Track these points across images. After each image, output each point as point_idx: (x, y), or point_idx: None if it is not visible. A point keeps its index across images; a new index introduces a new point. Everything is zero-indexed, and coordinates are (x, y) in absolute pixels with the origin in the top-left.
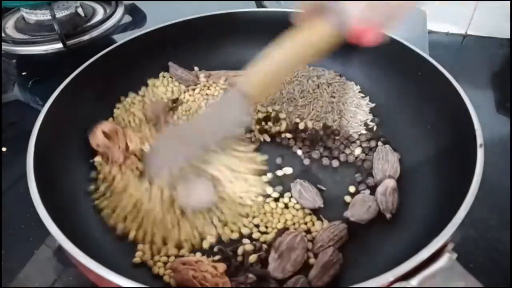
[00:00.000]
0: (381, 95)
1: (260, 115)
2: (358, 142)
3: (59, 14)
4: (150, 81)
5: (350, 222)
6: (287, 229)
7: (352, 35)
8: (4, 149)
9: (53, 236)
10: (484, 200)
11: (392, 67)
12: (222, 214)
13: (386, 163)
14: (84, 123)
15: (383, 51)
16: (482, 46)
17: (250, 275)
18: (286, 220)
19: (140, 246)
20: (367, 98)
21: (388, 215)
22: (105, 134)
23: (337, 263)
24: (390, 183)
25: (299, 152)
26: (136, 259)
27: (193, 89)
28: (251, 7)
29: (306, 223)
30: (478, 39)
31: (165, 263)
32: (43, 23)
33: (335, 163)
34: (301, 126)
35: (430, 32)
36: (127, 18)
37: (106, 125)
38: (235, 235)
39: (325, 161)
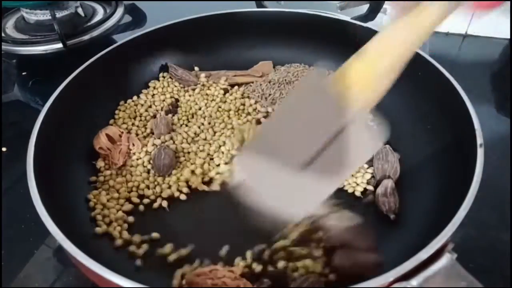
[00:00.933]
0: None
1: (260, 115)
2: None
3: (59, 14)
4: (151, 83)
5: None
6: None
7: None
8: (4, 149)
9: (53, 236)
10: (484, 200)
11: None
12: None
13: (386, 163)
14: (84, 123)
15: None
16: (482, 46)
17: (265, 280)
18: None
19: None
20: (374, 102)
21: (392, 216)
22: (109, 137)
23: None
24: (389, 184)
25: None
26: None
27: (193, 89)
28: (251, 7)
29: None
30: (478, 39)
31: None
32: (43, 23)
33: None
34: None
35: None
36: (127, 18)
37: (110, 129)
38: None
39: None
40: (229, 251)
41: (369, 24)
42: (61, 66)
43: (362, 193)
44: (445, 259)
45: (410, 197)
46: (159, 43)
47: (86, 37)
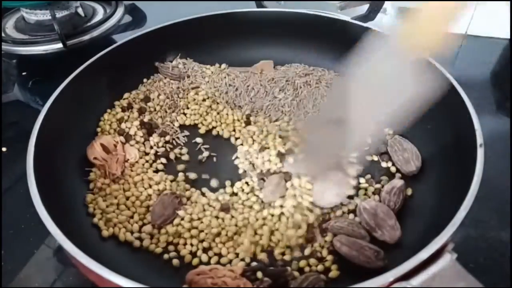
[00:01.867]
0: None
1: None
2: None
3: (59, 14)
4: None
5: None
6: None
7: None
8: (4, 149)
9: (53, 236)
10: (484, 200)
11: None
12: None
13: (405, 152)
14: (84, 123)
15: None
16: (482, 46)
17: (266, 279)
18: None
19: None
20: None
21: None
22: (103, 147)
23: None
24: (398, 184)
25: None
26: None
27: (183, 90)
28: (251, 7)
29: None
30: (478, 39)
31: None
32: (43, 23)
33: None
34: None
35: None
36: (127, 18)
37: (104, 138)
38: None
39: None
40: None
41: (369, 24)
42: (61, 66)
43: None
44: (445, 259)
45: (410, 197)
46: (159, 43)
47: (86, 37)
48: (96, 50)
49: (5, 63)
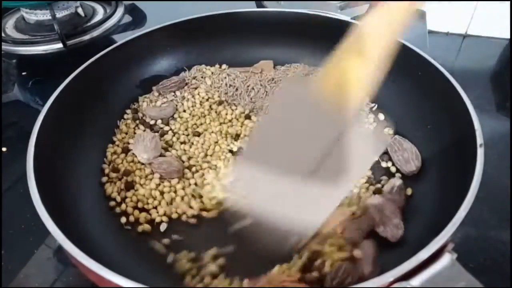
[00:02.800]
0: (381, 95)
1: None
2: None
3: (59, 14)
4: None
5: None
6: None
7: None
8: (4, 149)
9: (53, 236)
10: (484, 200)
11: (392, 67)
12: None
13: (405, 151)
14: (84, 123)
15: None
16: (482, 46)
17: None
18: None
19: None
20: (367, 98)
21: None
22: None
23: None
24: (397, 182)
25: None
26: None
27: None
28: (251, 7)
29: None
30: (478, 39)
31: None
32: (43, 23)
33: None
34: None
35: (430, 32)
36: (127, 18)
37: None
38: None
39: None
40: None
41: None
42: (61, 66)
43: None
44: (445, 259)
45: (410, 197)
46: (159, 43)
47: (86, 37)
48: (96, 50)
49: (5, 63)
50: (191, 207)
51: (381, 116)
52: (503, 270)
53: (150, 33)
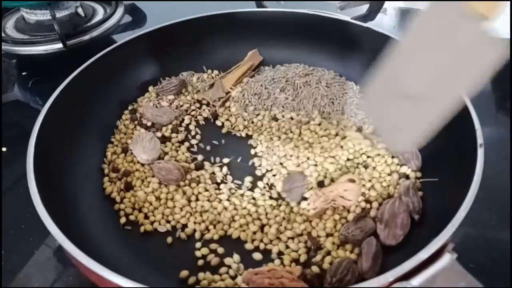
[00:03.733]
0: None
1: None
2: None
3: (59, 14)
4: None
5: None
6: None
7: None
8: (4, 149)
9: (53, 236)
10: (484, 200)
11: None
12: None
13: (405, 152)
14: (84, 123)
15: (383, 51)
16: None
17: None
18: None
19: None
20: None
21: (416, 217)
22: None
23: (381, 252)
24: (410, 184)
25: None
26: None
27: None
28: (251, 7)
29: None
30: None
31: None
32: (43, 23)
33: None
34: None
35: None
36: (127, 18)
37: None
38: None
39: None
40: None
41: (369, 24)
42: (61, 66)
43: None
44: (445, 259)
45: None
46: (159, 43)
47: (86, 37)
48: (96, 50)
49: (5, 63)
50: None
51: None
52: (503, 270)
53: (150, 33)
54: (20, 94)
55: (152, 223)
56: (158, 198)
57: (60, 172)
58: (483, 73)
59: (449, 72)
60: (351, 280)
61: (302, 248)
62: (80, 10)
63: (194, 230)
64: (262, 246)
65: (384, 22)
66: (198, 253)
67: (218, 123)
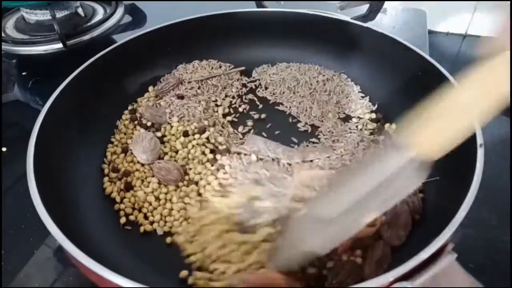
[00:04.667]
0: (381, 95)
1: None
2: None
3: (59, 14)
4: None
5: None
6: None
7: None
8: (4, 149)
9: (53, 236)
10: (484, 200)
11: (392, 67)
12: None
13: None
14: (84, 123)
15: (383, 51)
16: None
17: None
18: None
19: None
20: (367, 98)
21: (416, 216)
22: None
23: (388, 257)
24: None
25: None
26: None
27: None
28: (251, 7)
29: None
30: (478, 39)
31: None
32: (43, 23)
33: None
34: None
35: (430, 32)
36: (127, 18)
37: None
38: None
39: None
40: None
41: (369, 24)
42: (61, 66)
43: None
44: (445, 259)
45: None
46: (159, 43)
47: (86, 37)
48: (96, 50)
49: (5, 63)
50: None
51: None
52: (503, 270)
53: (150, 33)
54: (20, 94)
55: (151, 223)
56: (157, 199)
57: (60, 172)
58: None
59: (366, 198)
60: (352, 283)
61: None
62: (80, 10)
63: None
64: None
65: (384, 22)
66: None
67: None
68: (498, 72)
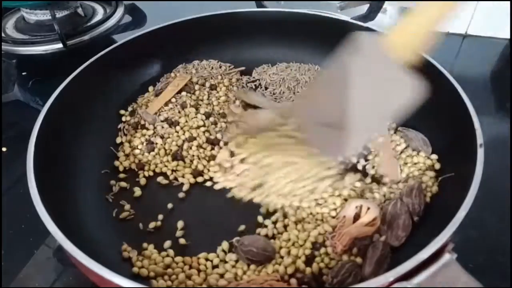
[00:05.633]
0: None
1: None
2: None
3: (59, 14)
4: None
5: None
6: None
7: None
8: (4, 149)
9: (53, 236)
10: (484, 200)
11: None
12: None
13: (412, 141)
14: (84, 123)
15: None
16: (482, 46)
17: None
18: None
19: None
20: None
21: (415, 218)
22: None
23: (388, 256)
24: (415, 184)
25: None
26: None
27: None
28: (251, 7)
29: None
30: (478, 39)
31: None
32: (43, 23)
33: None
34: None
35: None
36: (127, 18)
37: None
38: None
39: None
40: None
41: (369, 24)
42: (61, 66)
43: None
44: (445, 259)
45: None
46: (159, 43)
47: (86, 37)
48: (96, 50)
49: (5, 63)
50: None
51: None
52: (503, 270)
53: (150, 33)
54: (20, 94)
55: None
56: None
57: (59, 172)
58: (399, 107)
59: (365, 105)
60: (352, 283)
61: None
62: (80, 10)
63: None
64: None
65: (384, 22)
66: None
67: None
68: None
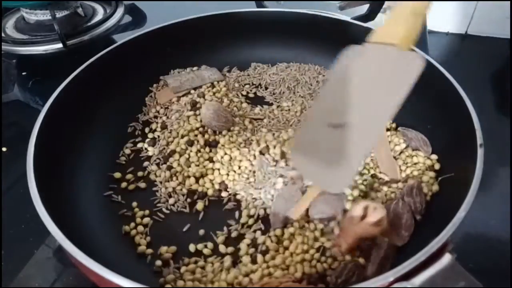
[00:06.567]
0: None
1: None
2: None
3: (59, 14)
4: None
5: None
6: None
7: None
8: (4, 149)
9: (53, 236)
10: (484, 200)
11: None
12: None
13: (411, 141)
14: (84, 123)
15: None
16: (482, 46)
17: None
18: None
19: None
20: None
21: (418, 217)
22: None
23: (391, 257)
24: (415, 184)
25: None
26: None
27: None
28: (251, 7)
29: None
30: (478, 39)
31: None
32: (43, 23)
33: None
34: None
35: (430, 32)
36: (127, 18)
37: None
38: None
39: None
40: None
41: (369, 24)
42: (61, 66)
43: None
44: (445, 259)
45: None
46: (159, 43)
47: (86, 37)
48: (96, 50)
49: (5, 63)
50: None
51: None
52: (503, 270)
53: (150, 33)
54: (20, 94)
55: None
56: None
57: (60, 172)
58: (407, 88)
59: (376, 98)
60: (355, 283)
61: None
62: (80, 10)
63: None
64: None
65: (384, 22)
66: (192, 247)
67: None
68: None
